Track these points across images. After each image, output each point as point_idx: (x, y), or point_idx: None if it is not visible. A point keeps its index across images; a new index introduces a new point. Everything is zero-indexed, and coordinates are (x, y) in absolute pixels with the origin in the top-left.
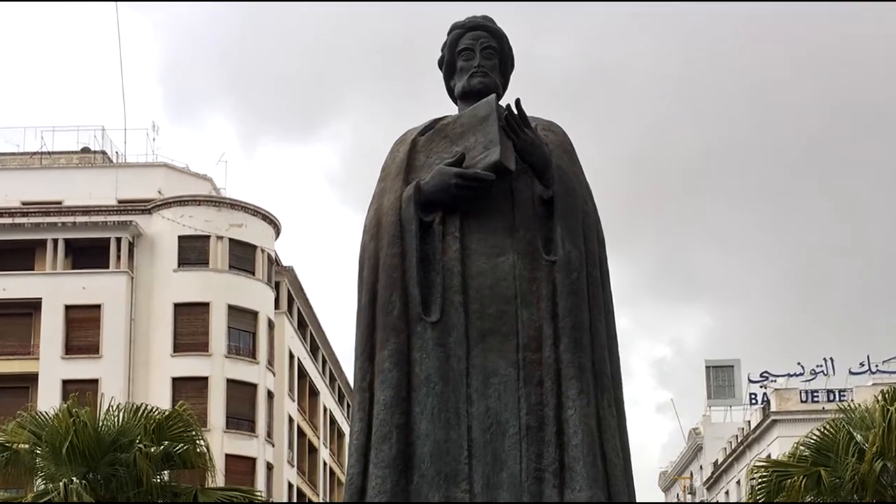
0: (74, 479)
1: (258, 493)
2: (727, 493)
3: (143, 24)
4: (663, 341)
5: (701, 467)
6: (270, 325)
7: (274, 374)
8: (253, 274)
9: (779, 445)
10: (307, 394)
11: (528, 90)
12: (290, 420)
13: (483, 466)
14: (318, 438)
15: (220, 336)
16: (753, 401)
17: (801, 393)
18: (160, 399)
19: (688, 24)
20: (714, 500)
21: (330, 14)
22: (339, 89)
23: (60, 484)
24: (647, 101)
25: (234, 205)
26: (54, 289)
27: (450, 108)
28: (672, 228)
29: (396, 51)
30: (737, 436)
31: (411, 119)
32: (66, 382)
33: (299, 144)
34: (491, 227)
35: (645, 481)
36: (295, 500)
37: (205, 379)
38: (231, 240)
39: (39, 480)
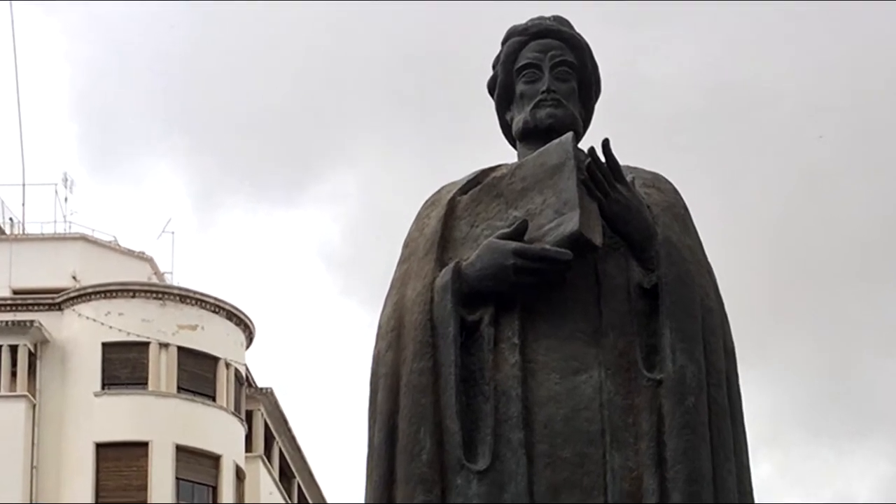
0: None
1: None
2: None
3: (50, 29)
4: (823, 497)
5: None
6: (239, 474)
7: None
8: (213, 399)
9: None
10: None
11: (621, 127)
12: None
13: None
14: None
15: (164, 491)
16: None
17: None
18: None
19: (860, 32)
20: None
21: (330, 16)
22: (341, 127)
23: None
24: (799, 142)
25: (186, 297)
26: None
27: (505, 154)
28: (835, 333)
29: (427, 70)
30: None
31: (448, 171)
32: None
33: (282, 208)
34: (566, 331)
35: None
36: None
37: None
38: (181, 349)
39: None
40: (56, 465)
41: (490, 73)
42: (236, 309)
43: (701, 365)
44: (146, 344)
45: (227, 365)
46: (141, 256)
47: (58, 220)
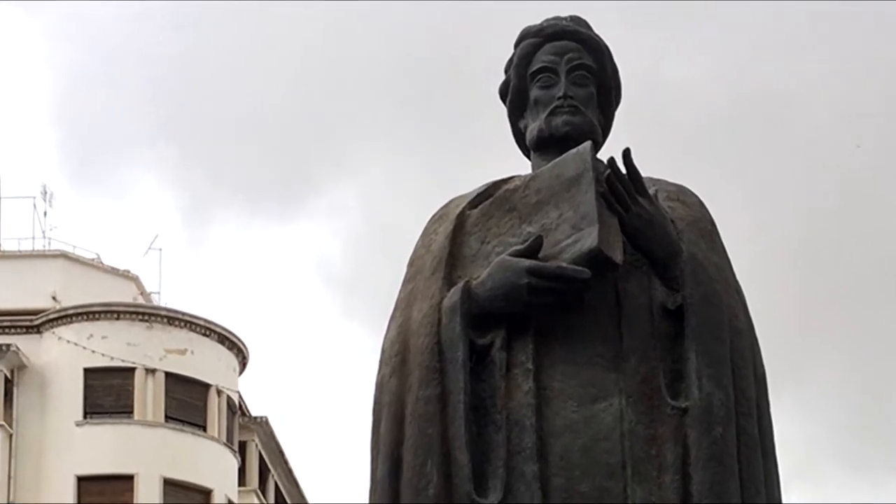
0: None
1: None
2: None
3: (31, 29)
4: None
5: None
6: None
7: None
8: (204, 429)
9: None
10: None
11: (643, 135)
12: None
13: None
14: None
15: None
16: None
17: None
18: None
19: None
20: None
21: (328, 16)
22: (341, 135)
23: None
24: (834, 151)
25: (174, 319)
26: None
27: (519, 164)
28: (873, 357)
29: (433, 74)
30: None
31: (457, 183)
32: None
33: (277, 223)
34: (584, 355)
35: None
36: None
37: None
38: (169, 375)
39: None
40: (34, 499)
41: (502, 77)
42: (228, 332)
43: (729, 392)
44: (131, 369)
45: (219, 392)
46: (126, 275)
47: (36, 235)
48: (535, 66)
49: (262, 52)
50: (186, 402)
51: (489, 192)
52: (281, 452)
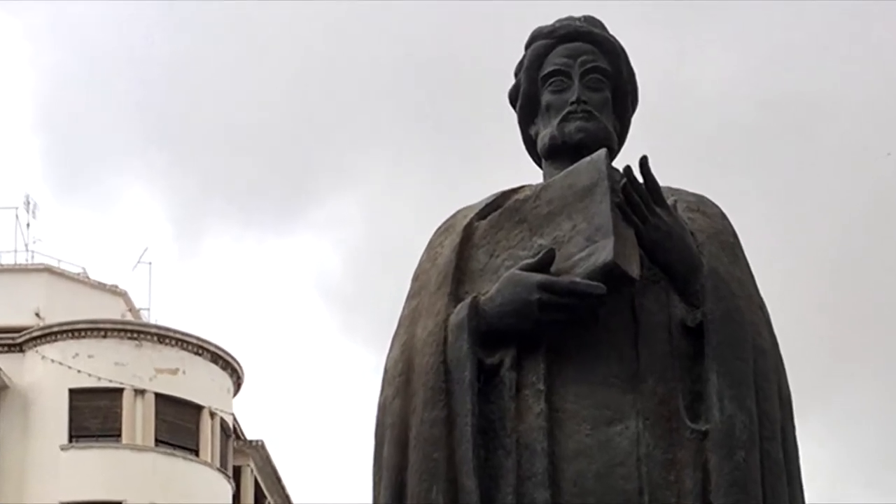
0: None
1: None
2: None
3: (12, 30)
4: None
5: None
6: None
7: None
8: (196, 454)
9: None
10: None
11: (661, 143)
12: None
13: None
14: None
15: None
16: None
17: None
18: None
19: None
20: None
21: (328, 16)
22: (341, 143)
23: None
24: (864, 160)
25: (165, 337)
26: None
27: (529, 173)
28: None
29: (439, 78)
30: None
31: (464, 193)
32: None
33: (275, 235)
34: (598, 375)
35: None
36: None
37: None
38: (160, 396)
39: None
40: None
41: (511, 81)
42: (222, 350)
43: (752, 414)
44: (119, 390)
45: (212, 414)
46: (114, 291)
47: (19, 249)
48: (546, 69)
49: (258, 55)
50: (178, 424)
51: (498, 203)
52: (278, 478)
